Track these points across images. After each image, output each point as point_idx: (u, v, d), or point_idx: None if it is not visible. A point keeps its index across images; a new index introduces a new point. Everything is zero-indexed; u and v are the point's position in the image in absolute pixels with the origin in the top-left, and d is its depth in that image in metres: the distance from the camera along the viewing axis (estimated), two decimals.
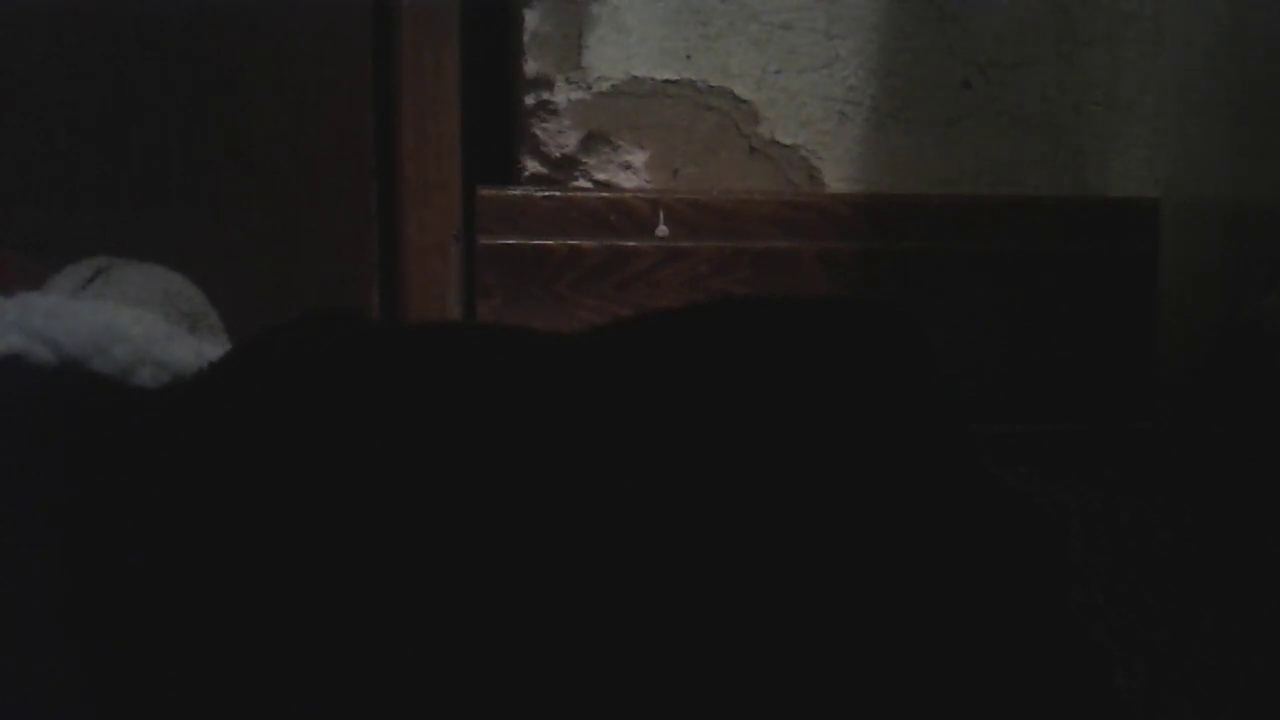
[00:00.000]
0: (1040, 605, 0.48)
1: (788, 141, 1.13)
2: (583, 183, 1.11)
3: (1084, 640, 0.49)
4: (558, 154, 1.10)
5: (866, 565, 0.44)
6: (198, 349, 0.56)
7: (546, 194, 1.09)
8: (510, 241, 1.07)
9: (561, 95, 1.09)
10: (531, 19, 1.08)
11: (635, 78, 1.10)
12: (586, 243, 1.08)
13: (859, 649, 0.43)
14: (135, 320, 0.56)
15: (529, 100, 1.09)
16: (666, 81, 1.10)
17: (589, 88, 1.10)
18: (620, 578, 0.43)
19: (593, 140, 1.10)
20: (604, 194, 1.10)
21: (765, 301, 0.50)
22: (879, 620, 0.44)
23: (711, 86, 1.11)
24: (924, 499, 0.46)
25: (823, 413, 0.46)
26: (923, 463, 0.47)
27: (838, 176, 1.14)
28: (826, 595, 0.44)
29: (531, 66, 1.09)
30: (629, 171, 1.11)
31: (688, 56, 1.10)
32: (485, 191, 1.07)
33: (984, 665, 0.45)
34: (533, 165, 1.11)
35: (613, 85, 1.10)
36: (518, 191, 1.09)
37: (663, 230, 1.09)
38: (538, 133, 1.10)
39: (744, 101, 1.12)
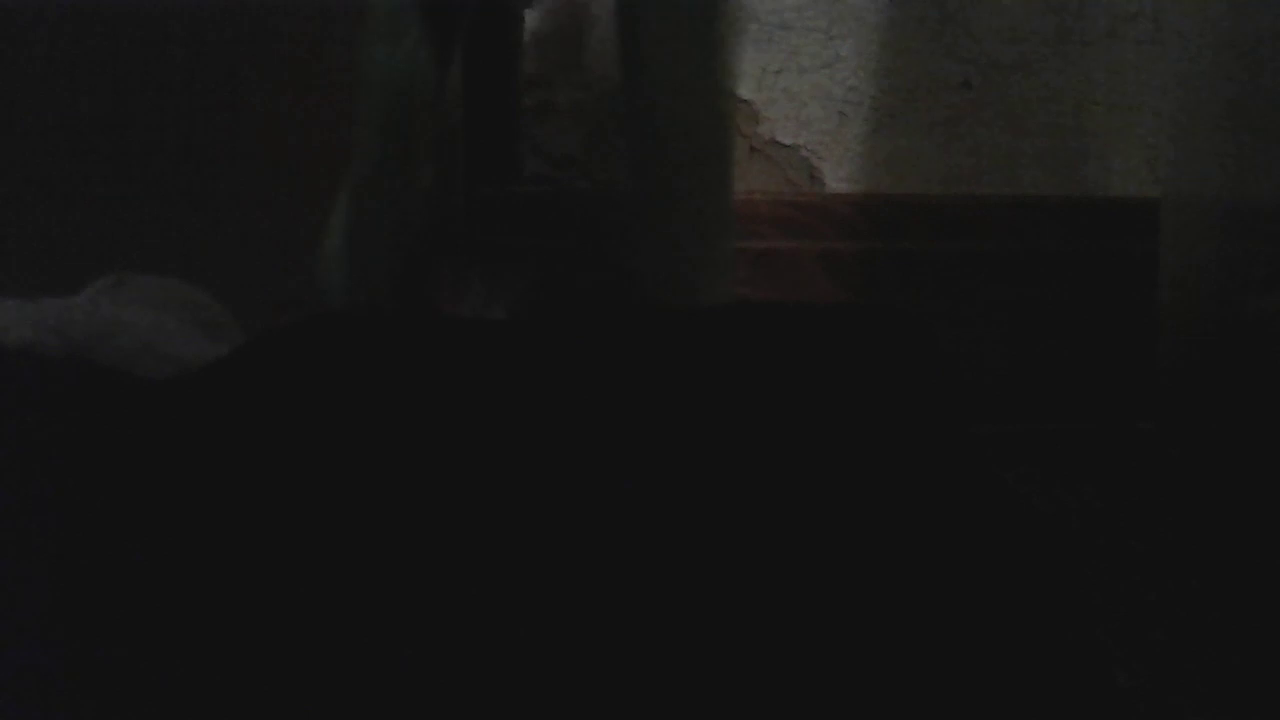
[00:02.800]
0: (1041, 605, 0.48)
1: (788, 141, 1.13)
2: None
3: (1084, 640, 0.49)
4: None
5: (872, 564, 0.44)
6: (207, 349, 0.56)
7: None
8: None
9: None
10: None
11: None
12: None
13: (862, 647, 0.43)
14: (139, 315, 0.57)
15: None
16: None
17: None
18: (628, 572, 0.43)
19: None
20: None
21: (784, 305, 0.50)
22: (882, 619, 0.44)
23: None
24: (929, 500, 0.46)
25: (835, 413, 0.47)
26: (928, 464, 0.47)
27: (838, 176, 1.14)
28: (829, 592, 0.44)
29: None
30: None
31: None
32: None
33: (987, 664, 0.45)
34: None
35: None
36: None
37: None
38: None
39: (744, 101, 1.12)
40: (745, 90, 1.11)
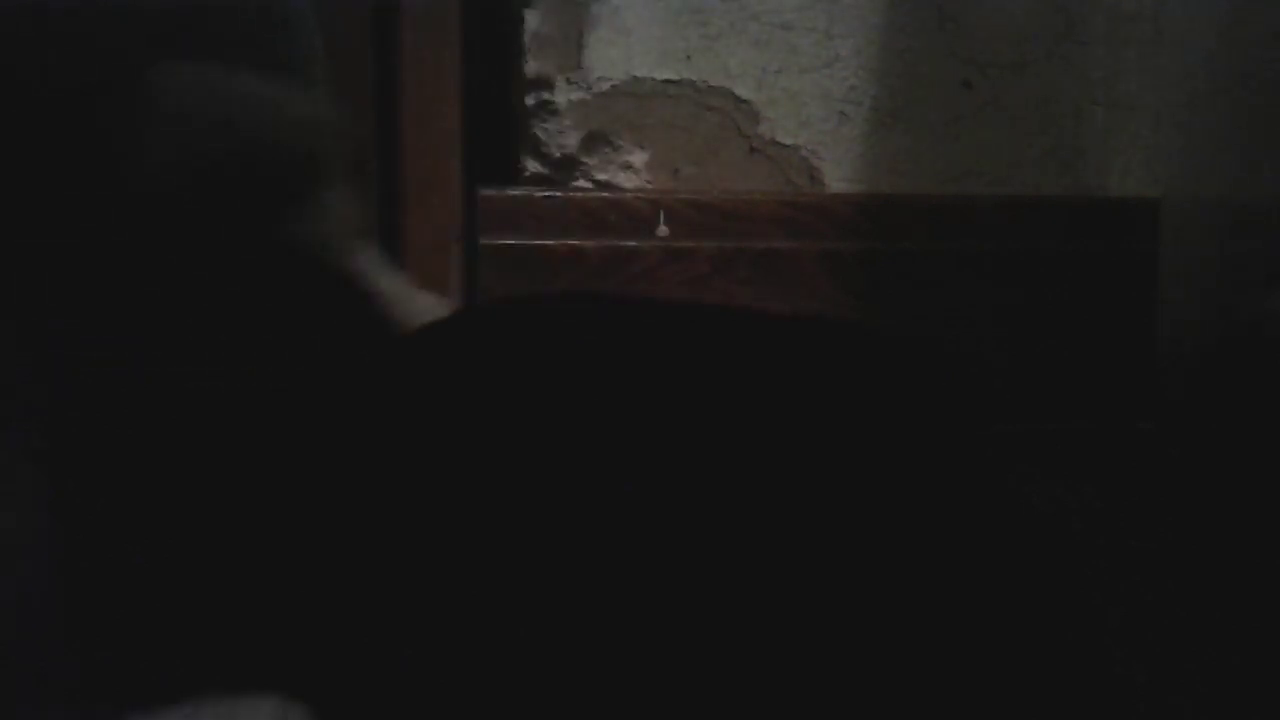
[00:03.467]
0: (1041, 605, 0.48)
1: (788, 141, 1.13)
2: (583, 183, 1.11)
3: (1085, 640, 0.49)
4: (558, 154, 1.10)
5: (883, 567, 0.45)
6: None
7: (547, 194, 1.09)
8: (511, 242, 1.07)
9: (562, 95, 1.09)
10: (532, 19, 1.09)
11: (635, 78, 1.10)
12: (587, 243, 1.08)
13: (866, 648, 0.44)
14: None
15: (529, 100, 1.09)
16: (667, 81, 1.10)
17: (589, 88, 1.10)
18: (666, 575, 0.43)
19: (593, 140, 1.10)
20: (604, 194, 1.10)
21: (842, 328, 0.52)
22: (887, 619, 0.44)
23: (712, 86, 1.11)
24: (942, 508, 0.46)
25: (867, 428, 0.47)
26: (946, 477, 0.48)
27: (838, 176, 1.14)
28: (836, 595, 0.44)
29: (532, 66, 1.09)
30: (629, 171, 1.11)
31: (688, 56, 1.10)
32: (486, 192, 1.08)
33: (988, 664, 0.45)
34: (533, 165, 1.11)
35: (613, 85, 1.10)
36: (518, 192, 1.09)
37: (663, 230, 1.09)
38: (538, 133, 1.10)
39: (744, 101, 1.12)
40: (745, 90, 1.11)
